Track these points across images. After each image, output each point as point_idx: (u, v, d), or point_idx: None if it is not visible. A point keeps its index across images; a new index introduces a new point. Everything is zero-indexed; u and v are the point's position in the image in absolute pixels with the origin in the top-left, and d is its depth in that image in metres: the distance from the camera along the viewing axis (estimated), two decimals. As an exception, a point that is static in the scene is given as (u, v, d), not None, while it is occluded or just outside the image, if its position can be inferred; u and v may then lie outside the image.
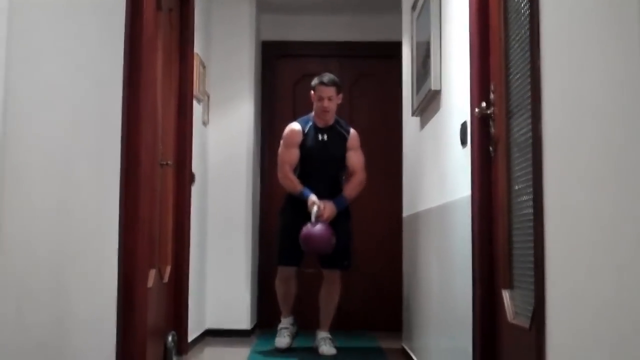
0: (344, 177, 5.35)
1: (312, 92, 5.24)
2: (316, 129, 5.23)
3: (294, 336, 5.32)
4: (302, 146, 5.21)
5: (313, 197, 5.01)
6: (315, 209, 4.96)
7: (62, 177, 2.28)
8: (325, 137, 5.22)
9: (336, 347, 5.09)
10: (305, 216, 5.03)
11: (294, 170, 5.23)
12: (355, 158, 5.27)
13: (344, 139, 5.24)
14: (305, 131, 5.21)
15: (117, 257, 2.91)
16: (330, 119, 5.23)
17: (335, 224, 5.06)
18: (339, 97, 5.23)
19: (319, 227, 4.91)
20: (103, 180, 2.74)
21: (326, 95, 5.15)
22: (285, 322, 5.27)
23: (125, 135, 3.62)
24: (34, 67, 2.10)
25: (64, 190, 2.29)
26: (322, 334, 5.16)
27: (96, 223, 2.63)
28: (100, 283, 2.69)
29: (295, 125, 5.27)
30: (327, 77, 5.22)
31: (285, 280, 5.24)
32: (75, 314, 2.39)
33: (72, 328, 2.37)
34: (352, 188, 5.22)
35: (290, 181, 5.17)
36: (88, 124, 2.56)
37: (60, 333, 2.25)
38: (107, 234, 2.79)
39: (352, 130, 5.29)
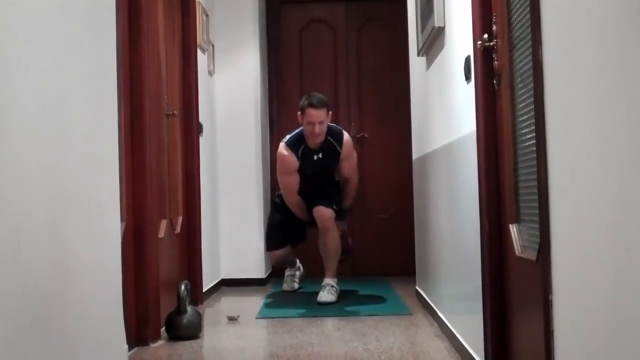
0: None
1: (300, 113, 4.99)
2: (310, 150, 5.04)
3: (301, 280, 5.60)
4: (300, 169, 5.07)
5: None
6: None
7: (55, 124, 2.25)
8: (320, 155, 5.07)
9: (337, 295, 4.99)
10: (297, 219, 5.26)
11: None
12: (348, 167, 5.17)
13: (337, 152, 5.08)
14: (300, 156, 5.03)
15: (118, 204, 2.90)
16: (322, 138, 5.03)
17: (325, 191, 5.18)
18: (329, 117, 5.00)
19: None
20: (100, 126, 2.71)
21: (317, 120, 4.90)
22: (291, 271, 5.57)
23: (128, 84, 3.60)
24: (23, 6, 2.07)
25: (56, 138, 2.27)
26: (325, 281, 5.07)
27: (93, 170, 2.61)
28: (101, 229, 2.69)
29: (288, 153, 5.04)
30: (316, 98, 4.96)
31: (278, 260, 5.50)
32: (76, 259, 2.39)
33: (74, 272, 2.38)
34: (349, 196, 5.28)
35: (299, 209, 5.22)
36: (81, 69, 2.53)
37: (61, 276, 2.25)
38: (106, 182, 2.77)
39: (344, 138, 5.09)
